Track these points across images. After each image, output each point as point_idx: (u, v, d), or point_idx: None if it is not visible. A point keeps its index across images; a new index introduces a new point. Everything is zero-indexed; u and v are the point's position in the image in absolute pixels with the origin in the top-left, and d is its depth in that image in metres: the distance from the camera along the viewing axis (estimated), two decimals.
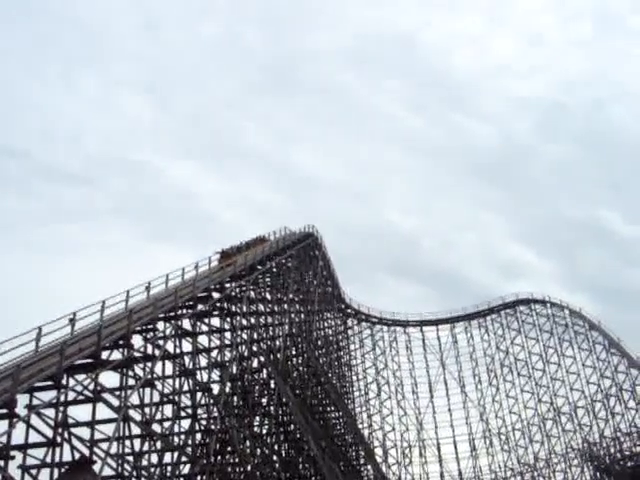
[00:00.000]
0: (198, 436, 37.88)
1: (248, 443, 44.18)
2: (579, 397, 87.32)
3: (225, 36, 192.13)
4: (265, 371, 50.86)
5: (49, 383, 26.93)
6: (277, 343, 55.19)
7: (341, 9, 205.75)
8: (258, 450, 45.88)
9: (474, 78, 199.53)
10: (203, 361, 40.75)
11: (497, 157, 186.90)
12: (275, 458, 49.00)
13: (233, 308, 46.45)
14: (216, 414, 39.00)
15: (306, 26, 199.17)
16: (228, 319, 45.04)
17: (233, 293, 46.66)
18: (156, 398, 34.55)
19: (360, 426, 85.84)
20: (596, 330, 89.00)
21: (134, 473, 31.03)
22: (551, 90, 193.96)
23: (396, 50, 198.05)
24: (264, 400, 50.37)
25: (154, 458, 32.93)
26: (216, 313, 43.58)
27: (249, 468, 42.41)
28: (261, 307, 53.87)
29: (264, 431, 49.13)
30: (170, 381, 36.63)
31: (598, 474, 74.84)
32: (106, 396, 29.61)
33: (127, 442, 30.64)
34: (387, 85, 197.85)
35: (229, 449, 41.32)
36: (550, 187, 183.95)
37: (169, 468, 34.09)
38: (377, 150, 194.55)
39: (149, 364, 33.70)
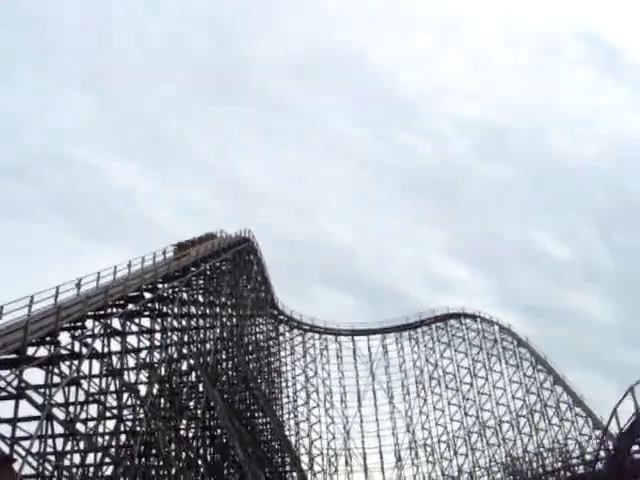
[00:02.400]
0: (123, 437, 37.45)
1: (173, 446, 43.79)
2: (504, 412, 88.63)
3: (171, 38, 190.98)
4: (194, 374, 50.52)
5: None
6: (207, 346, 54.89)
7: (291, 20, 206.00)
8: (183, 454, 45.49)
9: (418, 96, 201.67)
10: (131, 361, 40.32)
11: (436, 174, 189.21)
12: (200, 462, 48.64)
13: (164, 309, 46.02)
14: (142, 415, 38.59)
15: (255, 35, 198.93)
16: (159, 320, 44.61)
17: (165, 294, 46.23)
18: (81, 397, 34.11)
19: (287, 433, 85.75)
20: (524, 347, 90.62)
21: (55, 473, 30.48)
22: (492, 112, 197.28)
23: (343, 64, 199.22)
24: (191, 403, 50.04)
25: (77, 458, 32.45)
26: (147, 313, 43.11)
27: (173, 471, 42.03)
28: (193, 309, 53.48)
29: (190, 434, 48.83)
30: (97, 380, 36.11)
31: None
32: (30, 393, 29.04)
33: (49, 441, 30.11)
34: (331, 98, 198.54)
35: (154, 451, 40.88)
36: (486, 206, 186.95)
37: (92, 469, 33.55)
38: (318, 162, 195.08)
39: (76, 362, 33.21)
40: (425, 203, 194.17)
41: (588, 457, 67.77)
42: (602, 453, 62.13)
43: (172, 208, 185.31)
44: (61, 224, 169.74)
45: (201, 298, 56.87)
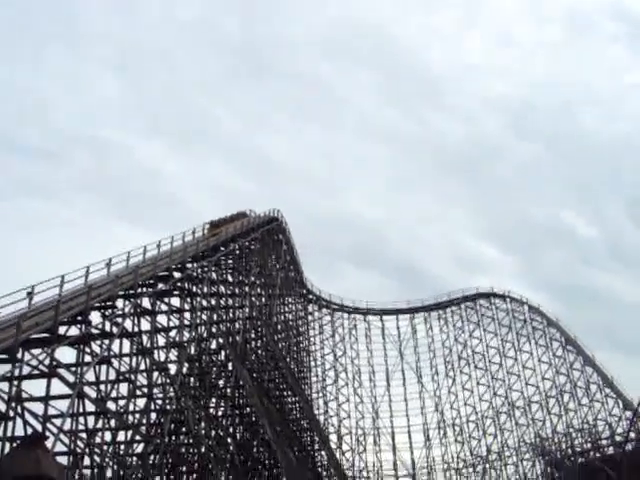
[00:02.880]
0: (153, 415, 37.74)
1: (203, 424, 44.07)
2: (534, 392, 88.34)
3: (200, 19, 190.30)
4: (223, 353, 50.77)
5: (4, 356, 26.65)
6: (236, 325, 55.08)
7: None
8: (213, 432, 45.82)
9: (447, 74, 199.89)
10: (161, 340, 40.54)
11: (465, 153, 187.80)
12: (229, 440, 49.00)
13: (194, 289, 46.20)
14: (172, 394, 38.87)
15: (283, 13, 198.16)
16: (188, 299, 44.80)
17: (194, 274, 46.42)
18: (112, 376, 34.36)
19: (316, 412, 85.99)
20: (554, 327, 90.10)
21: (87, 450, 30.82)
22: (521, 90, 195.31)
23: (371, 42, 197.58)
24: (221, 382, 50.32)
25: (108, 436, 32.78)
26: (176, 293, 43.28)
27: (203, 449, 42.39)
28: (222, 289, 53.68)
29: (219, 413, 49.11)
30: (127, 359, 36.33)
31: (549, 469, 75.64)
32: (61, 372, 29.34)
33: (81, 419, 30.40)
34: (360, 76, 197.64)
35: (184, 430, 41.25)
36: (516, 186, 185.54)
37: (122, 446, 33.90)
38: (347, 140, 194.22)
39: (106, 341, 33.50)
40: (455, 182, 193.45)
41: (618, 438, 67.63)
42: (632, 434, 61.98)
43: (200, 188, 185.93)
44: (91, 205, 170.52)
45: (230, 277, 57.01)
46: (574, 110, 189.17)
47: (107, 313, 34.56)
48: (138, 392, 36.50)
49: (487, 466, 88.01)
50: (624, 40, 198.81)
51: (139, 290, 37.90)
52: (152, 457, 36.04)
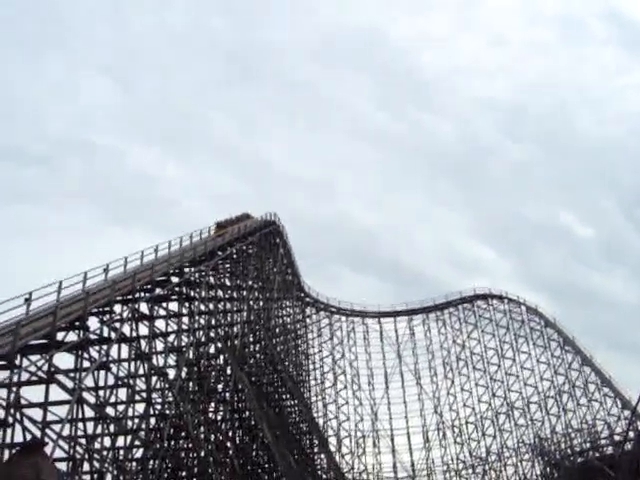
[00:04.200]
0: (152, 420, 37.75)
1: (202, 429, 44.11)
2: (532, 393, 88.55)
3: (192, 24, 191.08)
4: (222, 357, 50.76)
5: (2, 363, 26.57)
6: (235, 330, 55.08)
7: (311, 3, 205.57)
8: (212, 436, 45.81)
9: (438, 76, 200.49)
10: (159, 345, 40.57)
11: (458, 155, 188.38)
12: (229, 444, 48.99)
13: (192, 293, 46.22)
14: (171, 399, 38.86)
15: (274, 17, 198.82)
16: (186, 304, 44.81)
17: (192, 278, 46.43)
18: (111, 381, 34.34)
19: (315, 415, 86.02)
20: (551, 327, 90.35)
21: (86, 456, 30.80)
22: (513, 91, 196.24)
23: (362, 45, 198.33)
24: (220, 386, 50.31)
25: (107, 441, 32.72)
26: (174, 297, 43.29)
27: (202, 453, 42.37)
28: (220, 293, 53.70)
29: (219, 417, 49.10)
30: (125, 364, 36.31)
31: (548, 469, 75.65)
32: (60, 377, 29.29)
33: (80, 424, 30.36)
34: (352, 79, 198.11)
35: (183, 434, 41.23)
36: (509, 186, 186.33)
37: (122, 452, 33.90)
38: (340, 143, 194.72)
39: (105, 346, 33.45)
40: (449, 184, 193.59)
41: (617, 437, 67.64)
42: (631, 434, 61.98)
43: (196, 193, 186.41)
44: (86, 210, 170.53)
45: (228, 281, 57.10)
46: (567, 111, 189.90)
47: (105, 318, 34.53)
48: (137, 397, 36.50)
49: (487, 467, 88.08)
50: (616, 42, 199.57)
51: (137, 295, 37.87)
52: (152, 462, 36.00)
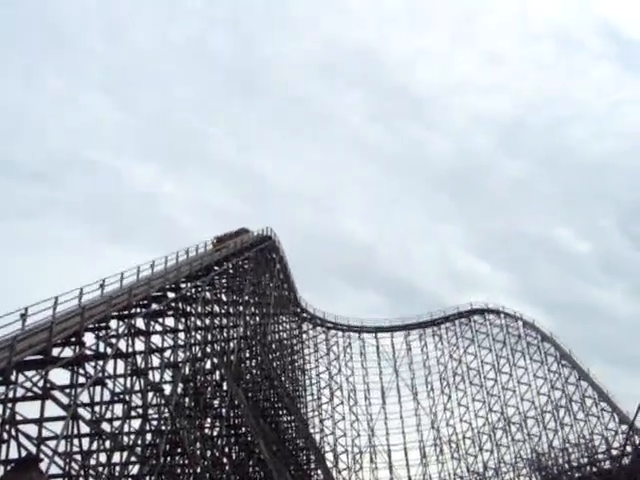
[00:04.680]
0: (148, 436, 37.57)
1: (198, 445, 43.91)
2: (529, 407, 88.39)
3: (192, 40, 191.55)
4: (218, 373, 50.61)
5: None
6: (231, 345, 54.96)
7: (309, 20, 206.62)
8: (208, 452, 45.64)
9: (435, 92, 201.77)
10: (156, 361, 40.38)
11: (456, 170, 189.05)
12: (225, 460, 48.80)
13: (188, 308, 46.15)
14: (167, 415, 38.69)
15: (273, 34, 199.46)
16: (182, 319, 44.70)
17: (188, 293, 46.37)
18: (107, 397, 34.28)
19: (312, 430, 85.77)
20: (548, 342, 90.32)
21: (82, 472, 30.65)
22: (511, 108, 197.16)
23: (360, 62, 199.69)
24: (216, 402, 50.13)
25: (103, 457, 32.59)
26: (170, 313, 43.17)
27: (199, 470, 42.14)
28: (216, 308, 53.62)
29: (215, 433, 48.91)
30: (121, 380, 36.24)
31: None
32: (56, 393, 29.22)
33: (75, 441, 30.29)
34: (350, 95, 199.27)
35: (179, 450, 41.00)
36: (506, 202, 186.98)
37: (118, 468, 33.72)
38: (338, 159, 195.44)
39: (100, 362, 33.34)
40: (446, 199, 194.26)
41: (614, 452, 67.53)
42: (628, 448, 61.86)
43: (194, 209, 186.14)
44: (84, 227, 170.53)
45: (224, 297, 57.02)
46: (564, 127, 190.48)
47: (101, 334, 34.47)
48: (133, 413, 36.34)
49: None
50: (612, 58, 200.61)
51: (133, 310, 37.82)
52: (148, 478, 35.81)
